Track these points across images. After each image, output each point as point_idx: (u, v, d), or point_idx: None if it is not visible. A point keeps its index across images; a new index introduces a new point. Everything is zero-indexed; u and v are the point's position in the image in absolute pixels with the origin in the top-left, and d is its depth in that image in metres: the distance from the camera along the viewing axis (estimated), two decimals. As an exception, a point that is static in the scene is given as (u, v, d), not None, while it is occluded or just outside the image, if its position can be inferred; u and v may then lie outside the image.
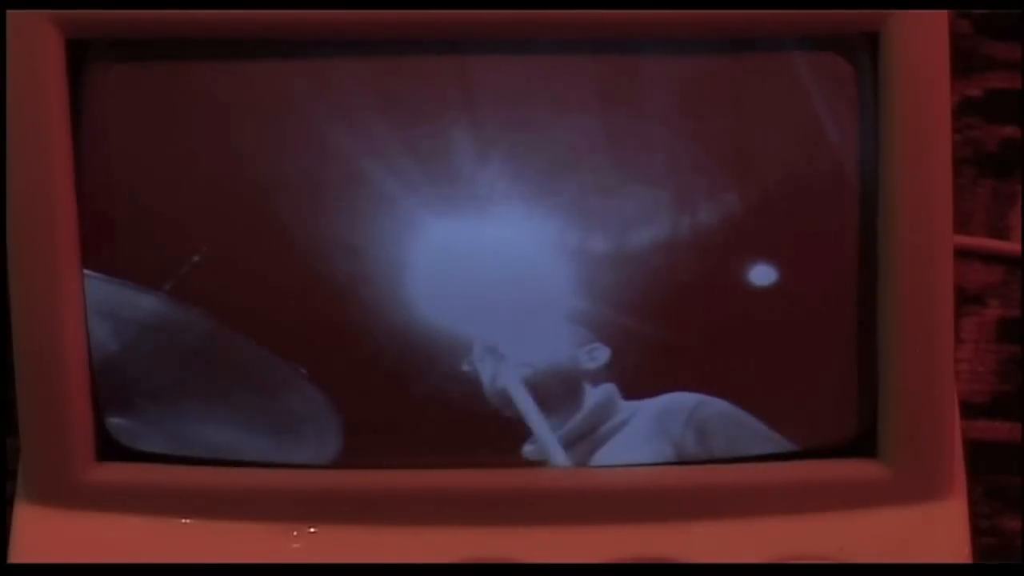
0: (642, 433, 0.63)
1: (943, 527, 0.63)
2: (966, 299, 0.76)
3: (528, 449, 0.63)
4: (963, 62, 0.75)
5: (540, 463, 0.63)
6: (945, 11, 0.60)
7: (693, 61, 0.62)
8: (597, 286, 0.62)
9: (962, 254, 0.75)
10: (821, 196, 0.62)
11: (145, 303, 0.62)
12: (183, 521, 0.63)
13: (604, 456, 0.63)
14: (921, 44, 0.60)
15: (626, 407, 0.63)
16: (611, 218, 0.62)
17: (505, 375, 0.62)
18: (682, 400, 0.63)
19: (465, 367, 0.62)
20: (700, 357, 0.63)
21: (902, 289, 0.61)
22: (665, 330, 0.63)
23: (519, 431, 0.63)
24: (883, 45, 0.60)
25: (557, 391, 0.63)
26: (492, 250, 0.62)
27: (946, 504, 0.63)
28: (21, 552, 0.62)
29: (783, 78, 0.62)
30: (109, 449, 0.63)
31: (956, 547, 0.63)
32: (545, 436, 0.63)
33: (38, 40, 0.59)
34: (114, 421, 0.63)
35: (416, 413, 0.63)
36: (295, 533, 0.63)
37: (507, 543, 0.62)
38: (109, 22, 0.60)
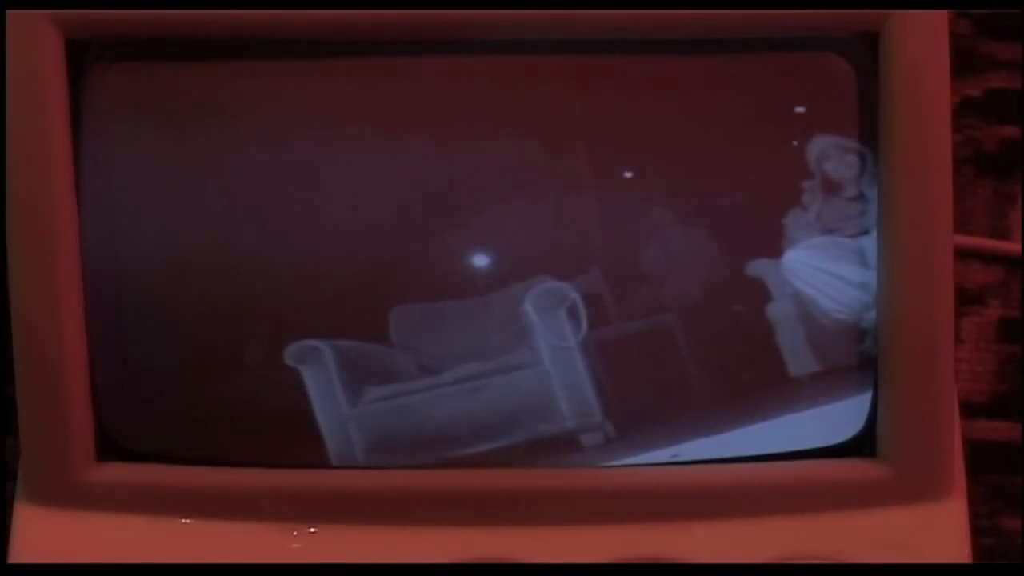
0: None
1: (943, 527, 0.63)
2: (966, 299, 0.76)
3: None
4: (963, 62, 0.75)
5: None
6: (945, 11, 0.60)
7: (693, 60, 0.62)
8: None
9: (962, 254, 0.75)
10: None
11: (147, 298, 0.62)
12: (183, 521, 0.63)
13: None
14: (921, 44, 0.60)
15: None
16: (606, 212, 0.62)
17: None
18: None
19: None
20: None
21: (902, 289, 0.61)
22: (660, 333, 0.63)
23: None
24: (883, 45, 0.60)
25: None
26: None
27: (946, 504, 0.63)
28: (21, 552, 0.62)
29: (783, 78, 0.62)
30: (109, 449, 0.63)
31: (956, 547, 0.63)
32: None
33: (38, 40, 0.59)
34: (114, 421, 0.63)
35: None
36: (295, 533, 0.63)
37: (507, 543, 0.62)
38: (109, 22, 0.60)
